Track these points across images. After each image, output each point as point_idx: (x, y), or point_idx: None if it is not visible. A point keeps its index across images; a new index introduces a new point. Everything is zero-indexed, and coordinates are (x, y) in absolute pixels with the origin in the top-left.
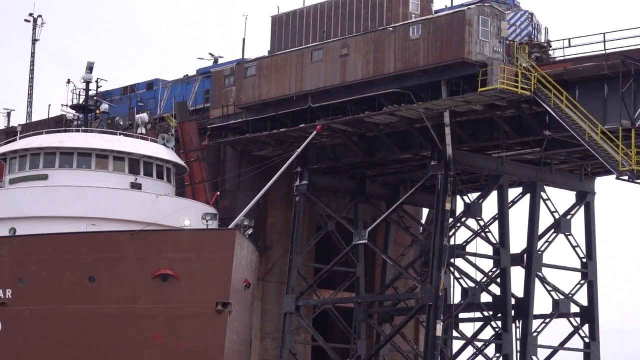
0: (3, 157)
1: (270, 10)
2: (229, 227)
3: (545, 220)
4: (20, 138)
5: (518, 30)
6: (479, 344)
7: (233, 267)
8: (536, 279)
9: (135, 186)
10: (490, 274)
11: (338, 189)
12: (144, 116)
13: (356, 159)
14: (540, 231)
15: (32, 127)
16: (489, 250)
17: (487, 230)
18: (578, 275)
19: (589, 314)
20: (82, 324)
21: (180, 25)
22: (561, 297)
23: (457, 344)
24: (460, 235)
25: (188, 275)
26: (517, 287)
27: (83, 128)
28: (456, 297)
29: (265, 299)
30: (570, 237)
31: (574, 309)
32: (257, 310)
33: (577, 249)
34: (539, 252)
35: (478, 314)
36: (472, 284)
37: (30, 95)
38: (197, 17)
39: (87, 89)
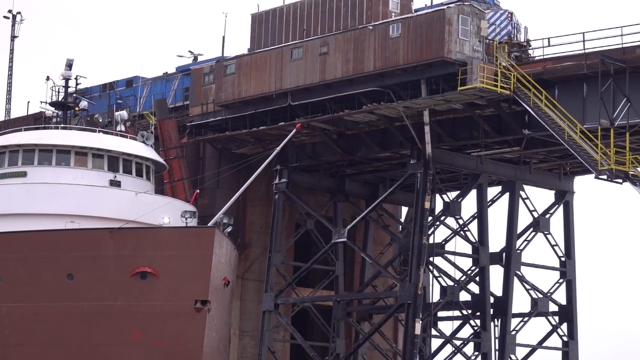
0: None
1: (250, 8)
2: (208, 225)
3: (524, 219)
4: None
5: (498, 30)
6: (458, 343)
7: (212, 265)
8: (515, 278)
9: (115, 184)
10: (469, 272)
11: (317, 187)
12: (124, 114)
13: (336, 157)
14: (519, 230)
15: (11, 124)
16: (468, 249)
17: (466, 229)
18: (557, 274)
19: (567, 313)
20: (60, 322)
21: (160, 22)
22: (540, 295)
23: (435, 343)
24: (440, 234)
25: (167, 273)
26: (496, 285)
27: (62, 125)
28: (435, 296)
29: (244, 297)
30: (549, 236)
31: (553, 307)
32: (236, 308)
33: (556, 247)
34: (518, 251)
35: (457, 313)
36: (451, 283)
37: (9, 92)
38: (177, 15)
39: (66, 86)
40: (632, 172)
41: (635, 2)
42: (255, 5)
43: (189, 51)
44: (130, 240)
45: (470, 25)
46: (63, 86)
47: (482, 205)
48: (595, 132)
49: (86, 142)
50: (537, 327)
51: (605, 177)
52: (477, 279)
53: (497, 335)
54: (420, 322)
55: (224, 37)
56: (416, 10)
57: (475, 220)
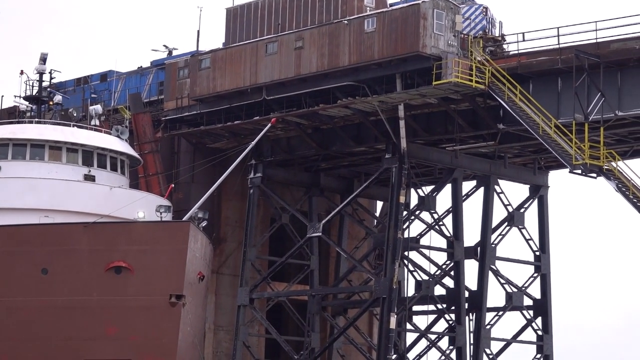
0: None
1: (225, 3)
2: (183, 219)
3: (499, 213)
4: None
5: (472, 24)
6: (433, 337)
7: (187, 259)
8: (490, 272)
9: (89, 178)
10: (444, 267)
11: (292, 181)
12: (98, 108)
13: (311, 151)
14: (494, 224)
15: None
16: (442, 243)
17: (441, 223)
18: (531, 268)
19: (542, 307)
20: (34, 317)
21: (134, 16)
22: (514, 290)
23: (410, 337)
24: (414, 228)
25: (142, 268)
26: (471, 280)
27: (36, 119)
28: (410, 290)
29: (219, 292)
30: (523, 231)
31: (527, 302)
32: (211, 303)
33: (530, 242)
34: (493, 245)
35: (432, 307)
36: (426, 277)
37: None
38: (152, 9)
39: (40, 80)
40: (606, 167)
41: None
42: (230, 0)
43: (164, 45)
44: (105, 234)
45: (445, 19)
46: (37, 80)
47: (457, 199)
48: (569, 127)
49: (60, 137)
50: (512, 321)
51: (579, 171)
52: (452, 273)
53: (471, 330)
54: (395, 316)
55: (198, 31)
56: (391, 5)
57: (450, 215)
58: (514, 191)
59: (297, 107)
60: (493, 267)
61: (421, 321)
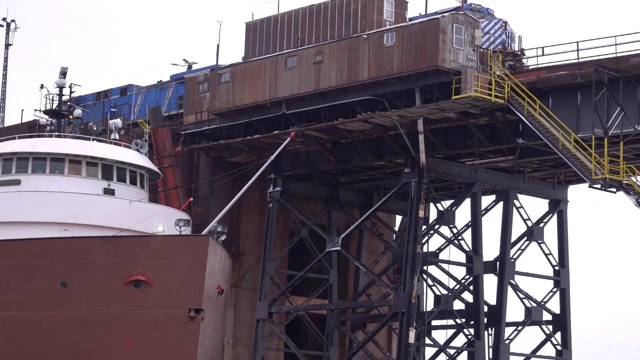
0: None
1: (245, 17)
2: (202, 233)
3: (518, 228)
4: None
5: (492, 39)
6: (452, 352)
7: (206, 273)
8: (509, 287)
9: (109, 192)
10: (463, 281)
11: (311, 195)
12: (118, 122)
13: (330, 166)
14: (513, 239)
15: (5, 132)
16: (462, 257)
17: (460, 237)
18: (551, 283)
19: (561, 322)
20: (53, 330)
21: (154, 31)
22: (534, 304)
23: (429, 351)
24: (434, 243)
25: (161, 281)
26: (490, 294)
27: (56, 133)
28: (429, 305)
29: (238, 306)
30: (543, 245)
31: (547, 316)
32: (230, 317)
33: (549, 256)
34: (512, 260)
35: (451, 322)
36: (445, 292)
37: (3, 100)
38: (172, 23)
39: (60, 94)
40: (625, 181)
41: (629, 12)
42: (250, 14)
43: (184, 59)
44: (124, 248)
45: (464, 34)
46: (57, 94)
47: (476, 214)
48: (589, 141)
49: (80, 151)
50: (531, 336)
51: (599, 186)
52: (471, 287)
53: (490, 344)
54: (414, 330)
55: (218, 45)
56: (410, 19)
57: (469, 229)
58: (533, 206)
59: (317, 121)
60: (512, 281)
61: (440, 336)
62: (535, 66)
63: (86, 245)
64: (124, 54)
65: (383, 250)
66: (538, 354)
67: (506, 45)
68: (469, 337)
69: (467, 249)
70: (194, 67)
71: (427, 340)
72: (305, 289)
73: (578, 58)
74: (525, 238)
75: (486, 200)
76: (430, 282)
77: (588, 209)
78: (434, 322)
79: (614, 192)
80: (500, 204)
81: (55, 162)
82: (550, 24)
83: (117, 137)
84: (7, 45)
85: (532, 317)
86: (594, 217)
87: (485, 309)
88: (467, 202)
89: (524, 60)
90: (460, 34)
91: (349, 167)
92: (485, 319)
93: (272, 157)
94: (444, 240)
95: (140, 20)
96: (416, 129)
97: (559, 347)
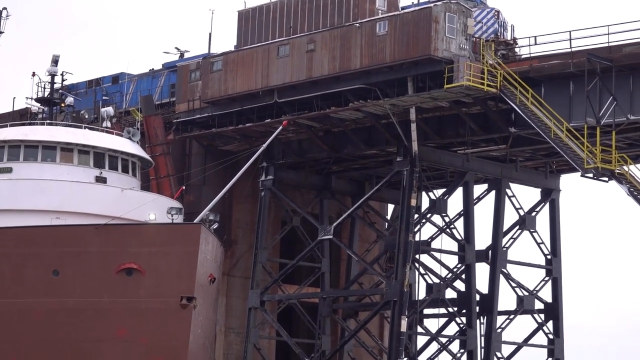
0: None
1: (237, 5)
2: (194, 221)
3: (510, 217)
4: None
5: (484, 28)
6: (444, 340)
7: (198, 261)
8: (501, 276)
9: (100, 180)
10: (455, 270)
11: (303, 184)
12: (110, 110)
13: (322, 154)
14: (505, 228)
15: None
16: (454, 246)
17: (452, 226)
18: (542, 272)
19: (553, 311)
20: (45, 318)
21: (146, 19)
22: (526, 293)
23: (421, 340)
24: (426, 232)
25: (153, 270)
26: (482, 283)
27: (48, 121)
28: (421, 293)
29: (230, 294)
30: (535, 234)
31: (539, 305)
32: (222, 305)
33: (541, 245)
34: (504, 249)
35: (443, 310)
36: (437, 280)
37: None
38: (164, 11)
39: (52, 82)
40: (618, 171)
41: (622, 1)
42: (242, 2)
43: (176, 48)
44: (116, 236)
45: (456, 23)
46: (49, 82)
47: (468, 202)
48: (581, 131)
49: (72, 139)
50: (523, 325)
51: (591, 175)
52: (463, 276)
53: (482, 333)
54: (406, 319)
55: (210, 33)
56: (403, 8)
57: (462, 218)
58: (525, 195)
59: (309, 110)
60: (504, 270)
61: (432, 324)
62: (528, 55)
63: (78, 234)
64: (116, 42)
65: (375, 238)
66: (530, 342)
67: (499, 34)
68: (461, 325)
69: (459, 238)
70: (186, 55)
71: (419, 329)
72: (297, 278)
73: (570, 47)
74: (517, 227)
75: (478, 189)
76: (422, 271)
77: (580, 198)
78: (426, 311)
79: (606, 182)
80: (493, 193)
81: (47, 150)
82: (543, 13)
83: (109, 125)
84: None
85: (524, 306)
86: (586, 207)
87: (477, 297)
88: (459, 191)
89: (517, 50)
90: (453, 22)
91: (341, 155)
92: (477, 308)
93: (264, 145)
94: (436, 229)
95: (132, 8)
96: (408, 118)
97: (550, 336)
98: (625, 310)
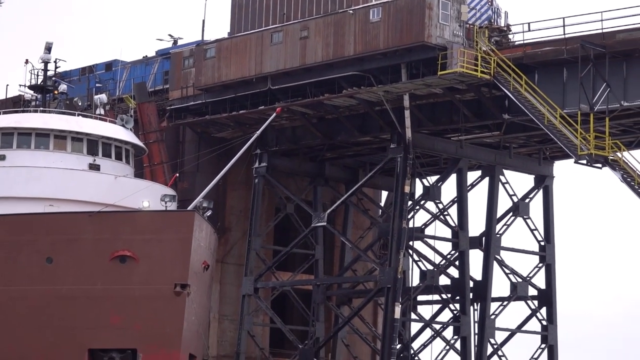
0: None
1: None
2: (188, 208)
3: (504, 203)
4: None
5: (478, 14)
6: (437, 327)
7: (192, 248)
8: (494, 262)
9: (94, 167)
10: (448, 256)
11: (297, 171)
12: (103, 97)
13: (316, 141)
14: (498, 214)
15: None
16: (447, 233)
17: (446, 213)
18: (536, 258)
19: (546, 297)
20: (39, 305)
21: (140, 6)
22: (519, 280)
23: (415, 327)
24: (419, 218)
25: (146, 257)
26: (476, 270)
27: (41, 108)
28: (415, 280)
29: (223, 281)
30: (528, 221)
31: (532, 292)
32: (216, 292)
33: (535, 232)
34: (498, 235)
35: (436, 297)
36: (430, 267)
37: None
38: None
39: (45, 70)
40: (611, 157)
41: None
42: None
43: (169, 35)
44: (110, 223)
45: (450, 9)
46: (42, 69)
47: (462, 189)
48: (575, 117)
49: (65, 126)
50: (517, 311)
51: (584, 162)
52: (457, 263)
53: (476, 319)
54: (400, 306)
55: (204, 20)
56: None
57: (455, 205)
58: (519, 181)
59: (302, 97)
60: (498, 257)
61: (426, 311)
62: (521, 42)
63: (71, 221)
64: (109, 29)
65: (369, 225)
66: (523, 329)
67: (492, 21)
68: (455, 312)
69: (453, 225)
70: (180, 42)
71: (413, 316)
72: (291, 265)
73: (564, 34)
74: (510, 214)
75: (472, 175)
76: (415, 258)
77: (574, 185)
78: (420, 298)
79: (600, 168)
80: (486, 179)
81: (40, 138)
82: None
83: (102, 112)
84: None
85: (517, 292)
86: (579, 193)
87: (471, 284)
88: (452, 178)
89: (510, 36)
90: (447, 9)
91: (335, 142)
92: (471, 294)
93: (258, 132)
94: (429, 216)
95: None
96: (402, 105)
97: (544, 323)
98: (618, 296)
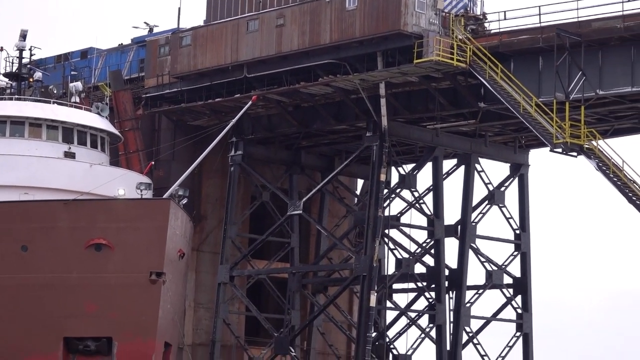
0: None
1: None
2: (164, 197)
3: (479, 191)
4: None
5: (454, 2)
6: (413, 315)
7: (167, 237)
8: (470, 250)
9: (69, 155)
10: (424, 245)
11: (273, 159)
12: (78, 85)
13: (291, 129)
14: (474, 203)
15: None
16: (423, 221)
17: (421, 201)
18: (511, 246)
19: (521, 286)
20: (14, 294)
21: None
22: (494, 268)
23: (390, 315)
24: (395, 207)
25: (122, 245)
26: (451, 258)
27: (16, 96)
28: (390, 268)
29: (199, 269)
30: (504, 209)
31: (507, 280)
32: (191, 281)
33: (510, 220)
34: (473, 224)
35: (412, 285)
36: (406, 255)
37: None
38: None
39: (20, 57)
40: (586, 146)
41: None
42: None
43: (145, 22)
44: (85, 211)
45: None
46: (17, 57)
47: (438, 177)
48: (550, 106)
49: (40, 114)
50: (492, 300)
51: (560, 150)
52: (432, 251)
53: (451, 308)
54: (376, 294)
55: (179, 8)
56: None
57: (431, 193)
58: (494, 170)
59: (278, 85)
60: (473, 245)
61: (401, 299)
62: (497, 30)
63: (47, 209)
64: (85, 17)
65: (344, 213)
66: (499, 317)
67: (468, 9)
68: (430, 300)
69: (429, 213)
70: (155, 30)
71: (388, 304)
72: (267, 253)
73: (540, 22)
74: (486, 202)
75: (447, 164)
76: (391, 246)
77: (549, 173)
78: (395, 286)
79: (575, 157)
80: (462, 167)
81: (15, 125)
82: None
83: (77, 100)
84: None
85: (492, 280)
86: (555, 181)
87: (447, 272)
88: (428, 166)
89: (486, 24)
90: None
91: (311, 130)
92: (446, 283)
93: (234, 120)
94: (405, 204)
95: None
96: (378, 93)
97: (519, 311)
98: (594, 285)
